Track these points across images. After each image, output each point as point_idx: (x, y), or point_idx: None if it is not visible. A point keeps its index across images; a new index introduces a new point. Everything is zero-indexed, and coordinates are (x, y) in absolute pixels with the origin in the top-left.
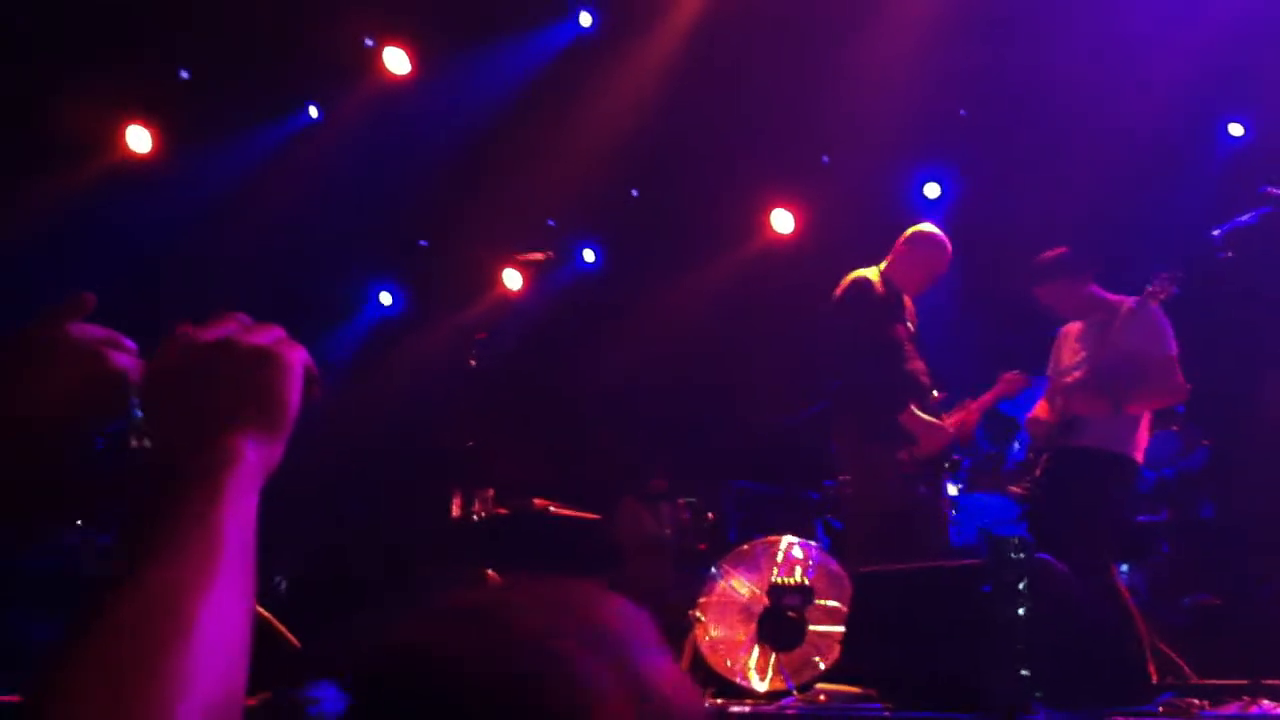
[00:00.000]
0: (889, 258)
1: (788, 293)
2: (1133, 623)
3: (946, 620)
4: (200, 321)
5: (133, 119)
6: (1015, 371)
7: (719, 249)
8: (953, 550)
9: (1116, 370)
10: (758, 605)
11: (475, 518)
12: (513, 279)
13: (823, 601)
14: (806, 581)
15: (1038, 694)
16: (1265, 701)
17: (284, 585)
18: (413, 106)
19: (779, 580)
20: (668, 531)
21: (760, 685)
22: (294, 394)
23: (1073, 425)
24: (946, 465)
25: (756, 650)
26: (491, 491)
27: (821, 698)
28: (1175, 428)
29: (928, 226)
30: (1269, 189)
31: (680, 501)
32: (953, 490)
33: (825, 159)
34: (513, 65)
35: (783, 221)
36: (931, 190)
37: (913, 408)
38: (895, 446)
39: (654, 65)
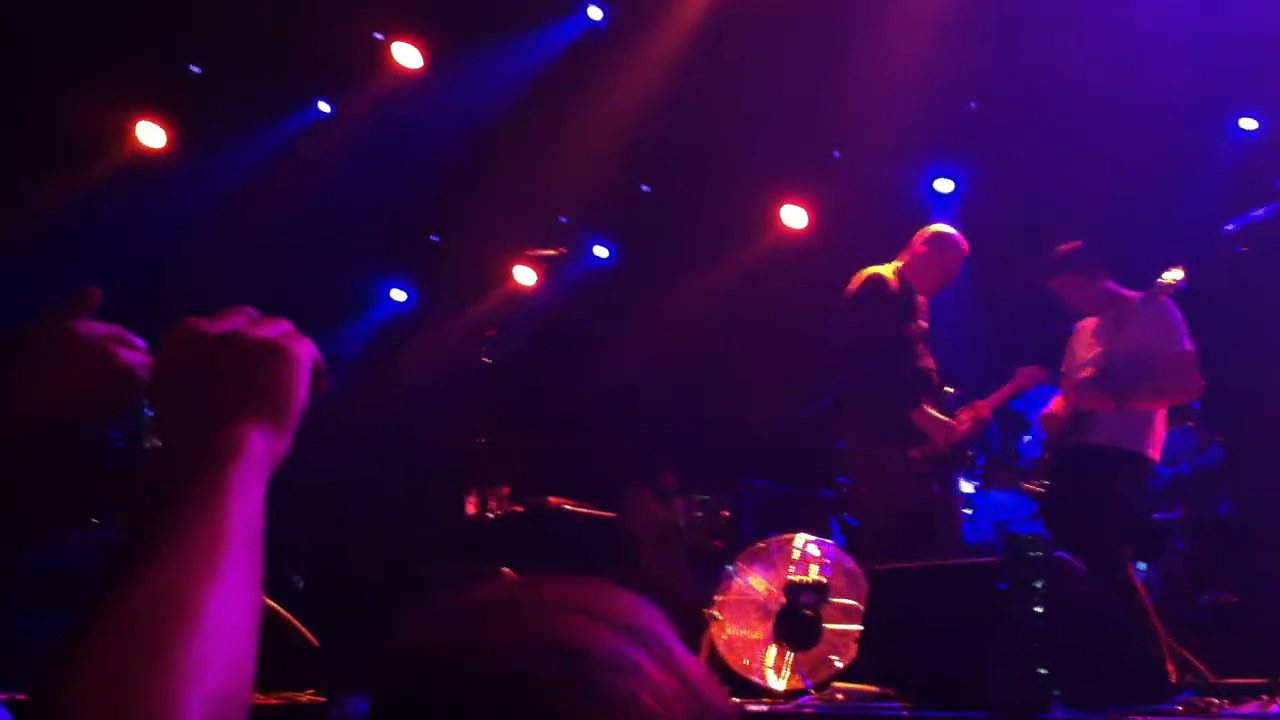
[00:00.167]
0: (905, 256)
1: (799, 289)
2: (1149, 621)
3: (962, 618)
4: (208, 315)
5: (144, 115)
6: (1033, 365)
7: (730, 245)
8: (967, 548)
9: (1125, 367)
10: (774, 603)
11: (490, 515)
12: (525, 275)
13: (839, 600)
14: (823, 579)
15: (1055, 692)
16: None
17: (301, 584)
18: (423, 102)
19: (795, 578)
20: (680, 523)
21: (778, 684)
22: (301, 387)
23: (1083, 422)
24: (960, 462)
25: (773, 649)
26: (507, 489)
27: (839, 696)
28: (1190, 424)
29: (945, 227)
30: None
31: (694, 498)
32: (968, 487)
33: (836, 155)
34: (523, 60)
35: (795, 217)
36: (945, 186)
37: (925, 405)
38: (905, 445)
39: (664, 60)
